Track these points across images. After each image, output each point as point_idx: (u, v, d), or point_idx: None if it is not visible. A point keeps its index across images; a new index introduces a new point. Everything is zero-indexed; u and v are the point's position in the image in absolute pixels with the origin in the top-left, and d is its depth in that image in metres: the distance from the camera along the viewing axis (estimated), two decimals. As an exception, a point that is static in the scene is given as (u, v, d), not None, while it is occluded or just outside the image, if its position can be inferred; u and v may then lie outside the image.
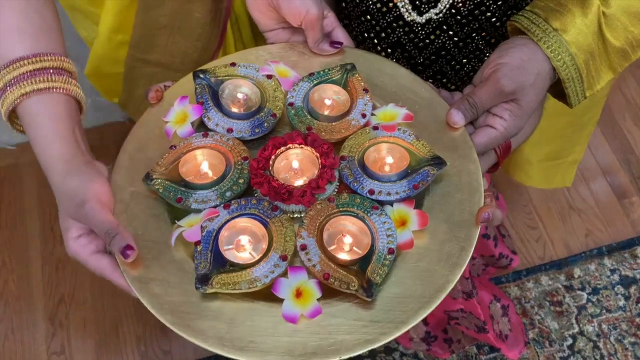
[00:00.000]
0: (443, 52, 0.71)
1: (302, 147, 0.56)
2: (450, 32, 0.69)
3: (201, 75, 0.59)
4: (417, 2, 0.67)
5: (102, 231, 0.51)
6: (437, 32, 0.69)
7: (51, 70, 0.55)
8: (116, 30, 0.75)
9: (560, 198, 1.38)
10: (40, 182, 1.49)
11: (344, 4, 0.73)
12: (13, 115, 0.56)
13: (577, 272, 1.28)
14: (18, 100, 0.54)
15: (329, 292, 0.50)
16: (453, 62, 0.72)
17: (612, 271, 1.28)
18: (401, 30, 0.70)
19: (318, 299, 0.50)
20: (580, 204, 1.37)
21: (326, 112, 0.59)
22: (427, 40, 0.70)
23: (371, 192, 0.54)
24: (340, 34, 0.65)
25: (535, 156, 1.00)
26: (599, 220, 1.35)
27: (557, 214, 1.36)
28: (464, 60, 0.71)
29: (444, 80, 0.73)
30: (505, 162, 1.07)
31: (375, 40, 0.72)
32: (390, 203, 0.54)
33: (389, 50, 0.72)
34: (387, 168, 0.56)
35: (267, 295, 0.50)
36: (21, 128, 0.57)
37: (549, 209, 1.37)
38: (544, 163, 1.02)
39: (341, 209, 0.53)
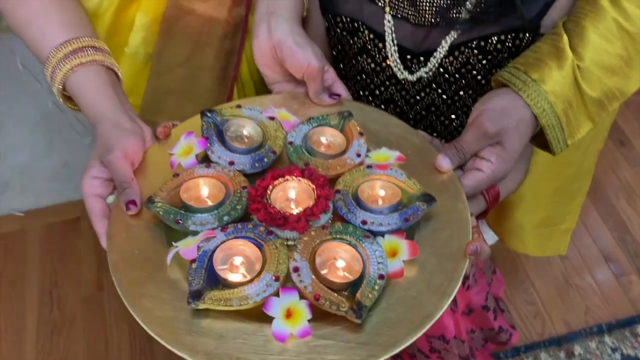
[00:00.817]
0: (433, 108, 0.76)
1: (299, 180, 0.59)
2: (440, 90, 0.75)
3: (208, 114, 0.64)
4: (409, 63, 0.73)
5: (117, 180, 0.58)
6: (427, 89, 0.75)
7: (89, 49, 0.64)
8: (129, 93, 0.81)
9: (558, 275, 1.38)
10: (43, 249, 1.51)
11: (341, 65, 0.79)
12: (64, 93, 0.66)
13: (577, 349, 1.26)
14: (67, 74, 0.63)
15: (319, 316, 0.51)
16: (442, 117, 0.77)
17: (614, 350, 1.26)
18: (394, 87, 0.76)
19: (308, 321, 0.51)
20: (578, 281, 1.37)
21: (323, 150, 0.63)
22: (418, 97, 0.76)
23: (364, 222, 0.57)
24: (340, 87, 0.70)
25: (528, 222, 1.03)
26: (597, 298, 1.34)
27: (555, 290, 1.36)
28: (453, 116, 0.76)
29: (434, 134, 0.78)
30: (500, 230, 1.10)
31: (370, 97, 0.78)
32: (382, 234, 0.57)
33: (383, 105, 0.78)
34: (379, 202, 0.59)
35: (258, 316, 0.51)
36: (71, 104, 0.67)
37: (546, 285, 1.37)
38: (537, 230, 1.04)
39: (334, 236, 0.55)
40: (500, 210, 1.07)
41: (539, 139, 0.69)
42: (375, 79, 0.76)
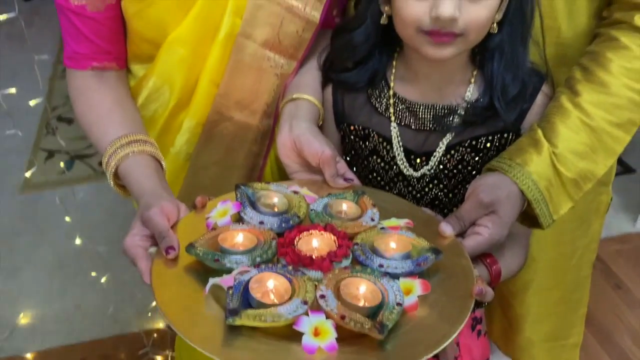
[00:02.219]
0: (437, 202, 0.86)
1: (322, 234, 0.67)
2: (441, 185, 0.86)
3: (242, 187, 0.74)
4: (413, 161, 0.85)
5: (156, 231, 0.65)
6: (430, 185, 0.86)
7: (141, 142, 0.77)
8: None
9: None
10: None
11: (354, 169, 0.91)
12: (115, 178, 0.80)
13: None
14: (121, 160, 0.75)
15: (342, 341, 0.55)
16: (445, 210, 0.86)
17: None
18: (401, 183, 0.87)
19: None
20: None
21: (342, 215, 0.72)
22: (423, 192, 0.86)
23: (380, 266, 0.63)
24: (351, 175, 0.81)
25: (536, 336, 1.05)
26: None
27: None
28: (454, 208, 0.86)
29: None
30: (510, 348, 1.11)
31: (381, 193, 0.88)
32: (397, 276, 0.63)
33: (392, 199, 0.88)
34: (393, 252, 0.66)
35: (287, 336, 0.55)
36: (120, 189, 0.80)
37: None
38: (545, 344, 1.06)
39: (355, 275, 0.62)
40: (509, 327, 1.10)
41: (528, 221, 0.78)
42: (385, 176, 0.87)
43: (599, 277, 1.69)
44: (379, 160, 0.87)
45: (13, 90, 1.30)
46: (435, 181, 0.86)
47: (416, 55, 0.81)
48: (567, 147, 0.75)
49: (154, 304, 1.19)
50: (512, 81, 0.80)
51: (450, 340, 0.56)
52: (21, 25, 1.22)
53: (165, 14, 0.81)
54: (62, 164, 2.35)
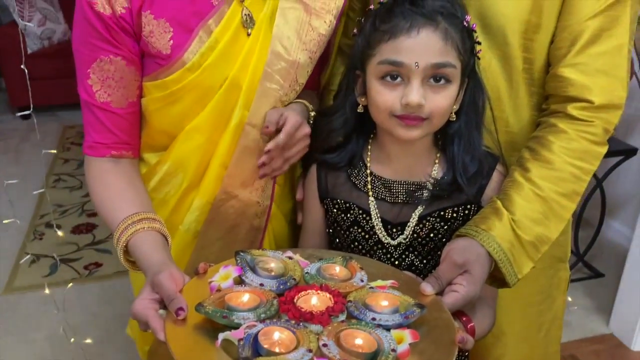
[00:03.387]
0: (413, 268, 0.95)
1: (318, 293, 0.74)
2: (416, 252, 0.95)
3: (241, 253, 0.81)
4: (389, 231, 0.95)
5: (165, 294, 0.70)
6: (407, 252, 0.95)
7: (150, 220, 0.83)
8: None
9: None
10: None
11: (337, 240, 1.00)
12: (124, 251, 0.86)
13: None
14: (131, 236, 0.81)
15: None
16: (421, 275, 0.95)
17: None
18: (380, 251, 0.96)
19: (338, 382, 0.61)
20: None
21: (334, 277, 0.79)
22: (400, 259, 0.95)
23: (373, 319, 0.71)
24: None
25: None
26: None
27: None
28: (429, 274, 0.95)
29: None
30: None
31: (362, 262, 0.97)
32: (388, 328, 0.70)
33: (372, 267, 0.96)
34: (383, 307, 0.74)
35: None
36: (128, 264, 0.86)
37: None
38: None
39: (351, 327, 0.69)
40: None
41: (497, 283, 0.88)
42: (366, 244, 0.96)
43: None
44: (359, 231, 0.96)
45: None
46: (411, 248, 0.95)
47: (389, 138, 0.93)
48: (524, 214, 0.87)
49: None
50: (471, 161, 0.92)
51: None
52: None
53: (185, 110, 0.92)
54: (47, 268, 2.44)
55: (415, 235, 0.94)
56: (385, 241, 0.95)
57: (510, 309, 1.08)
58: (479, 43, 0.90)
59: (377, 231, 0.95)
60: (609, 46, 0.90)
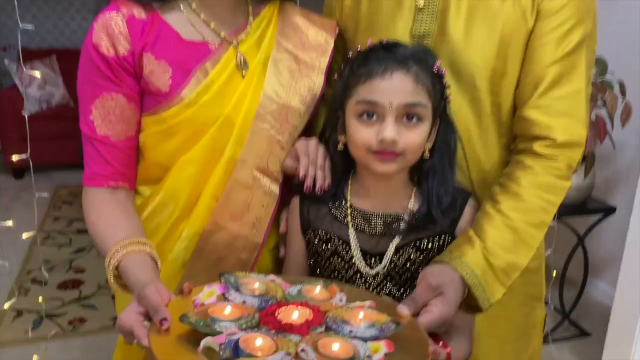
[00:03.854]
0: (390, 297, 0.99)
1: (298, 308, 0.78)
2: (393, 281, 0.99)
3: (225, 275, 0.85)
4: (368, 261, 0.99)
5: (150, 306, 0.73)
6: (384, 281, 0.99)
7: (141, 244, 0.88)
8: None
9: None
10: None
11: (318, 270, 1.03)
12: (115, 275, 0.89)
13: None
14: (121, 258, 0.86)
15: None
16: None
17: None
18: (359, 280, 0.99)
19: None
20: None
21: (315, 297, 0.83)
22: (378, 288, 0.99)
23: (350, 331, 0.74)
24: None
25: None
26: None
27: None
28: (406, 303, 0.99)
29: (394, 315, 0.98)
30: None
31: (342, 291, 1.00)
32: (365, 340, 0.73)
33: (352, 295, 0.99)
34: (360, 321, 0.77)
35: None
36: (118, 284, 0.88)
37: None
38: None
39: (329, 336, 0.72)
40: None
41: (471, 309, 0.92)
42: (346, 274, 1.00)
43: None
44: (339, 260, 1.00)
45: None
46: (389, 277, 0.99)
47: (367, 174, 0.99)
48: (495, 242, 0.92)
49: None
50: (445, 195, 0.98)
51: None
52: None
53: (180, 143, 0.98)
54: (30, 323, 2.42)
55: (392, 264, 0.98)
56: (364, 271, 0.99)
57: (487, 344, 1.11)
58: (449, 87, 0.98)
59: (356, 261, 0.99)
60: (569, 90, 0.99)
